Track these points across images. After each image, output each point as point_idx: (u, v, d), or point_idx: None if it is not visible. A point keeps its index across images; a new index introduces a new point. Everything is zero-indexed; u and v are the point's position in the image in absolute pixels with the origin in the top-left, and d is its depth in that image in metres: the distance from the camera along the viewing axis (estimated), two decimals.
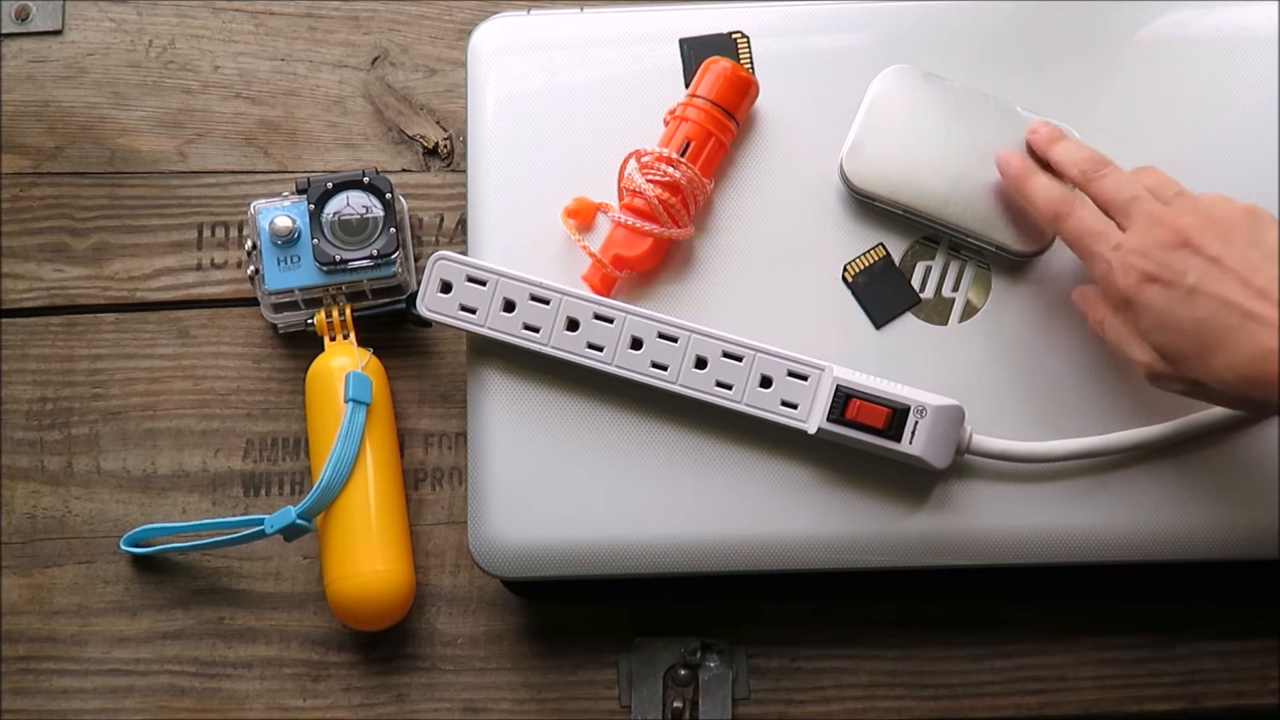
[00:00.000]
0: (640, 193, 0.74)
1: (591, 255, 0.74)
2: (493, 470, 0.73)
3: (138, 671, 0.80)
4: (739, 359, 0.72)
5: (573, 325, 0.73)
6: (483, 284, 0.73)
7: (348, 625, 0.78)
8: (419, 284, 0.74)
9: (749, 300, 0.74)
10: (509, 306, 0.73)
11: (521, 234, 0.76)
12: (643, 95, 0.77)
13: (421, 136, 0.85)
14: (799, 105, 0.77)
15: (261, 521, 0.76)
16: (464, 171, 0.79)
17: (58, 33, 0.87)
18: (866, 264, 0.74)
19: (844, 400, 0.70)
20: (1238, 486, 0.71)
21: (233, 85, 0.86)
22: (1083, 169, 0.69)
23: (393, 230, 0.79)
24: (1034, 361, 0.73)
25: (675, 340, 0.72)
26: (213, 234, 0.84)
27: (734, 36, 0.77)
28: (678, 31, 0.78)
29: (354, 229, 0.79)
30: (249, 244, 0.80)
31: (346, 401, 0.77)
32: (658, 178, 0.74)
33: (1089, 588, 0.77)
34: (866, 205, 0.74)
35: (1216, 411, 0.71)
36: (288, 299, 0.80)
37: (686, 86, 0.76)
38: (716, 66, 0.75)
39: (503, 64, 0.78)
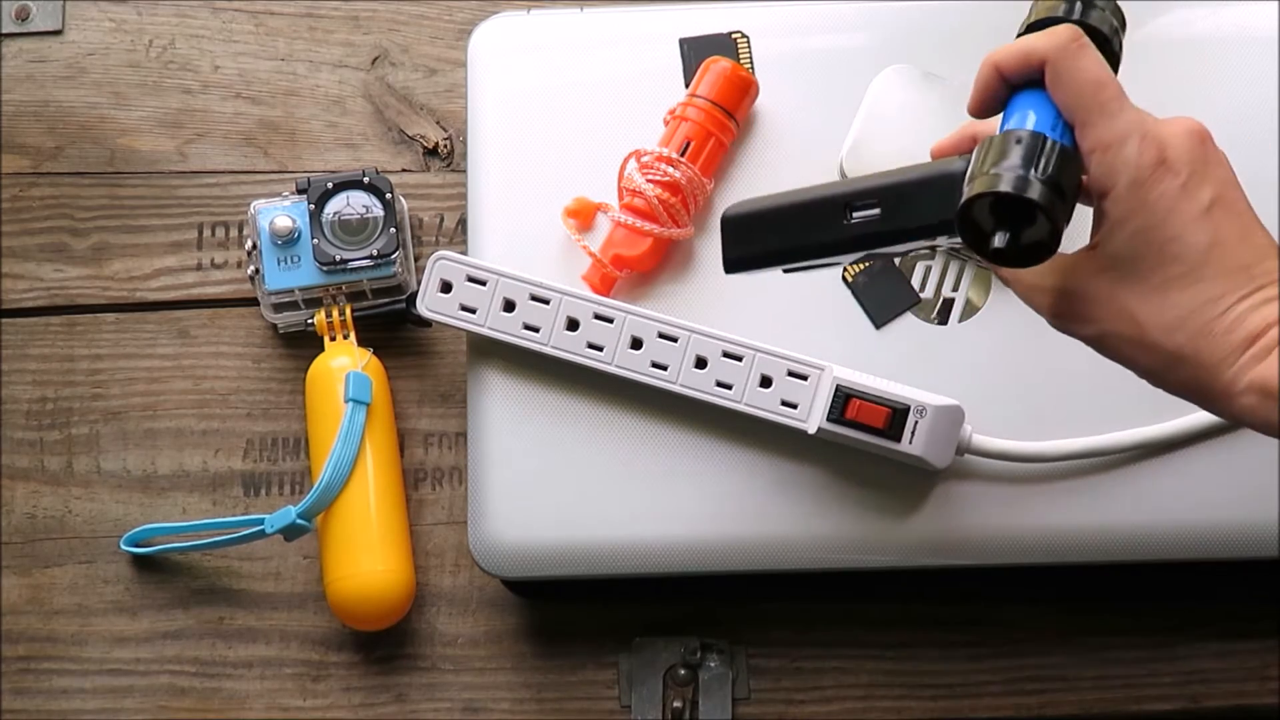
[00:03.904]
0: (640, 193, 0.74)
1: (591, 255, 0.74)
2: (493, 470, 0.73)
3: (138, 671, 0.79)
4: (739, 359, 0.71)
5: (573, 325, 0.73)
6: (483, 284, 0.73)
7: (348, 625, 0.78)
8: (419, 284, 0.74)
9: (749, 300, 0.74)
10: (509, 306, 0.73)
11: (521, 234, 0.76)
12: (643, 95, 0.77)
13: (421, 136, 0.85)
14: (799, 105, 0.77)
15: (261, 521, 0.76)
16: (464, 171, 0.79)
17: (58, 33, 0.87)
18: (866, 264, 0.74)
19: (844, 400, 0.70)
20: (1238, 486, 0.71)
21: (233, 85, 0.86)
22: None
23: (393, 230, 0.79)
24: (1034, 361, 0.73)
25: (675, 340, 0.72)
26: (213, 234, 0.84)
27: (734, 36, 0.77)
28: (678, 31, 0.78)
29: (354, 229, 0.79)
30: (249, 244, 0.80)
31: (346, 401, 0.77)
32: (658, 178, 0.74)
33: (1089, 588, 0.77)
34: None
35: None
36: (288, 299, 0.80)
37: (686, 86, 0.76)
38: (716, 66, 0.75)
39: (503, 64, 0.78)
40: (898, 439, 0.69)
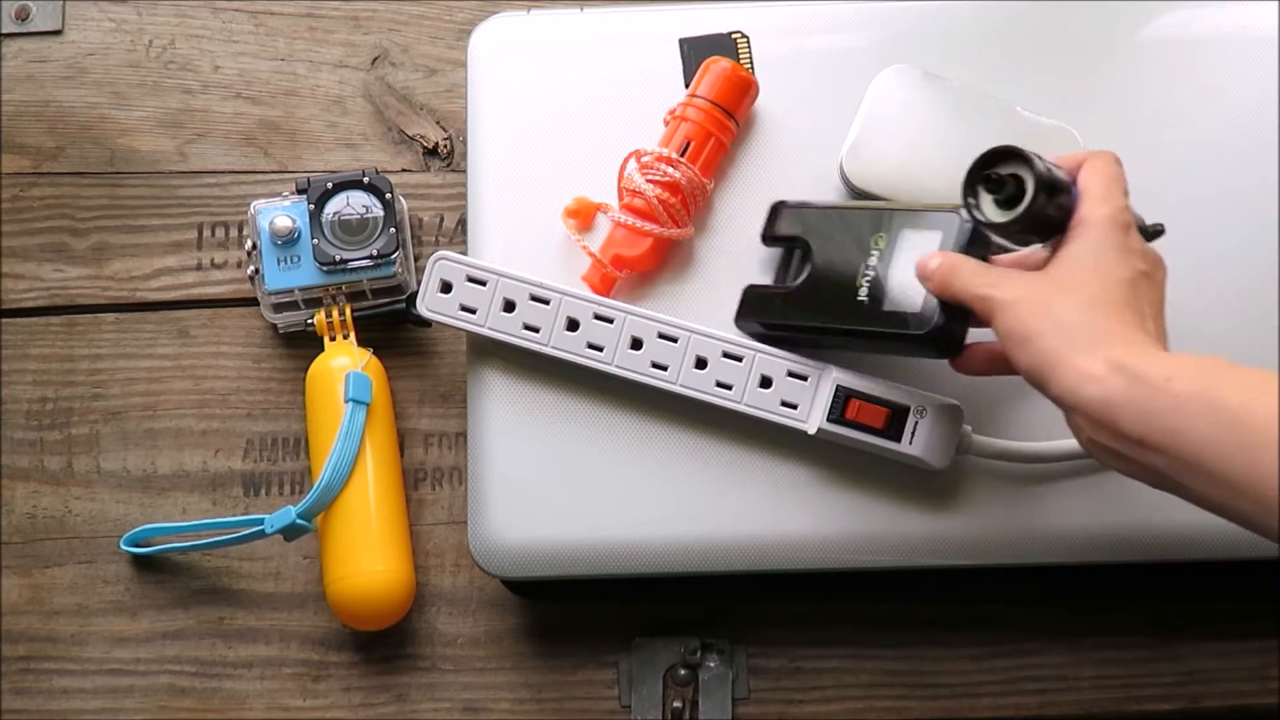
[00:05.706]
0: (640, 193, 0.74)
1: (591, 255, 0.74)
2: (493, 470, 0.73)
3: (138, 671, 0.79)
4: (739, 359, 0.71)
5: (573, 325, 0.73)
6: (483, 284, 0.73)
7: (348, 625, 0.78)
8: (419, 284, 0.74)
9: None
10: (509, 306, 0.73)
11: (521, 234, 0.76)
12: (643, 95, 0.77)
13: (421, 136, 0.85)
14: (799, 105, 0.77)
15: (261, 521, 0.76)
16: (464, 171, 0.79)
17: (58, 33, 0.87)
18: None
19: (844, 400, 0.70)
20: None
21: (233, 85, 0.86)
22: None
23: (393, 230, 0.79)
24: None
25: (675, 340, 0.72)
26: (213, 234, 0.84)
27: (734, 36, 0.77)
28: (678, 31, 0.78)
29: (354, 229, 0.79)
30: (249, 244, 0.80)
31: (346, 401, 0.77)
32: (658, 178, 0.74)
33: (1089, 588, 0.77)
34: None
35: None
36: (288, 299, 0.80)
37: (686, 86, 0.76)
38: (716, 66, 0.75)
39: (503, 64, 0.78)
40: (897, 439, 0.69)
